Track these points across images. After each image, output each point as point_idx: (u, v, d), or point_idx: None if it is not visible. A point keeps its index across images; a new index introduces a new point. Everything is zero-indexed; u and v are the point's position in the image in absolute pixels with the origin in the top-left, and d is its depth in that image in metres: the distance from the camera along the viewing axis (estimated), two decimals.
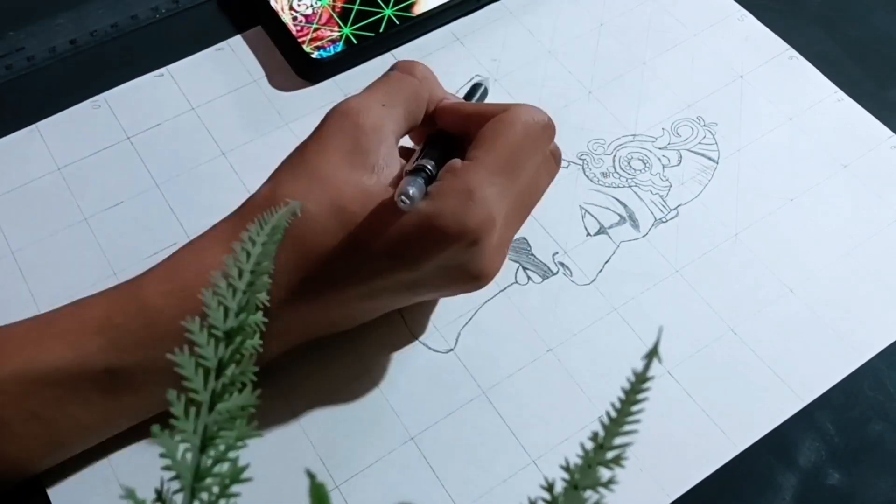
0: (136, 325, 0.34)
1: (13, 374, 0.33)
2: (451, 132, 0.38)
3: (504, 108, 0.36)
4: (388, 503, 0.37)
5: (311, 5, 0.51)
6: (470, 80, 0.50)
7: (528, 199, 0.38)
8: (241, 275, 0.25)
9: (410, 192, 0.33)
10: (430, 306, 0.42)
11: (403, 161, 0.37)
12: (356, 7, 0.51)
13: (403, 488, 0.37)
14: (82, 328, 0.34)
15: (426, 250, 0.34)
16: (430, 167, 0.35)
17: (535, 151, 0.36)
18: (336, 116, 0.36)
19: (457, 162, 0.35)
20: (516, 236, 0.44)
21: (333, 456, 0.38)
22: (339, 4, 0.51)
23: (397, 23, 0.51)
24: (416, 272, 0.35)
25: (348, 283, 0.35)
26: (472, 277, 0.36)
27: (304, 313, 0.36)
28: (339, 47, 0.49)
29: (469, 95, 0.42)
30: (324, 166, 0.35)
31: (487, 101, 0.42)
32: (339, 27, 0.50)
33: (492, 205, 0.34)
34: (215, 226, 0.36)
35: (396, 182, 0.35)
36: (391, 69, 0.39)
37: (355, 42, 0.50)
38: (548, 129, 0.37)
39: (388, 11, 0.51)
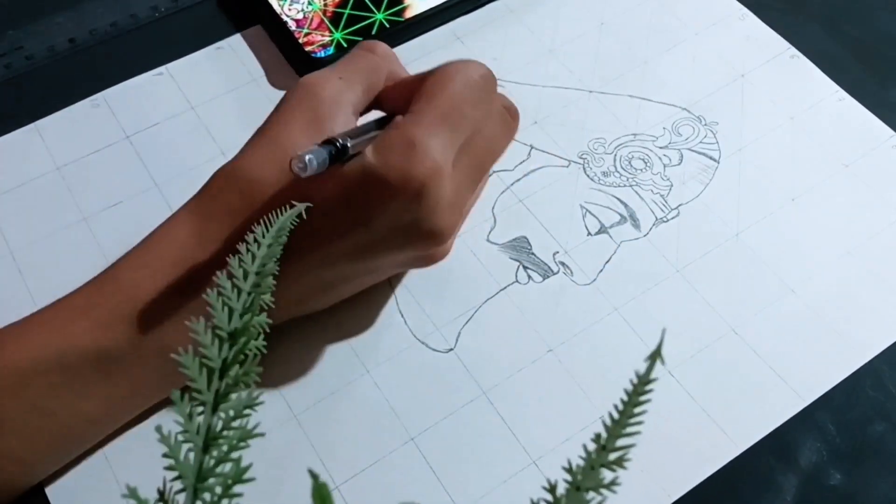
0: (115, 301, 0.35)
1: (5, 367, 0.34)
2: (398, 112, 0.38)
3: (443, 66, 0.37)
4: (388, 503, 0.37)
5: (302, 10, 0.51)
6: None
7: (484, 155, 0.38)
8: (246, 276, 0.25)
9: (307, 158, 0.32)
10: (430, 304, 0.42)
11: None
12: (347, 11, 0.51)
13: (403, 488, 0.37)
14: (66, 314, 0.35)
15: (372, 202, 0.34)
16: (340, 140, 0.34)
17: (479, 101, 0.37)
18: (297, 89, 0.37)
19: (398, 118, 0.36)
20: (516, 234, 0.44)
21: (333, 456, 0.38)
22: (331, 9, 0.51)
23: (388, 27, 0.50)
24: (369, 229, 0.35)
25: (308, 246, 0.35)
26: (426, 234, 0.35)
27: (281, 284, 0.35)
28: (330, 52, 0.49)
29: None
30: (283, 135, 0.36)
31: None
32: (331, 32, 0.50)
33: (435, 153, 0.34)
34: (185, 203, 0.37)
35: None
36: (356, 46, 0.40)
37: (346, 46, 0.50)
38: (487, 78, 0.37)
39: (379, 16, 0.51)
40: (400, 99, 0.38)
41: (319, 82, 0.37)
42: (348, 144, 0.34)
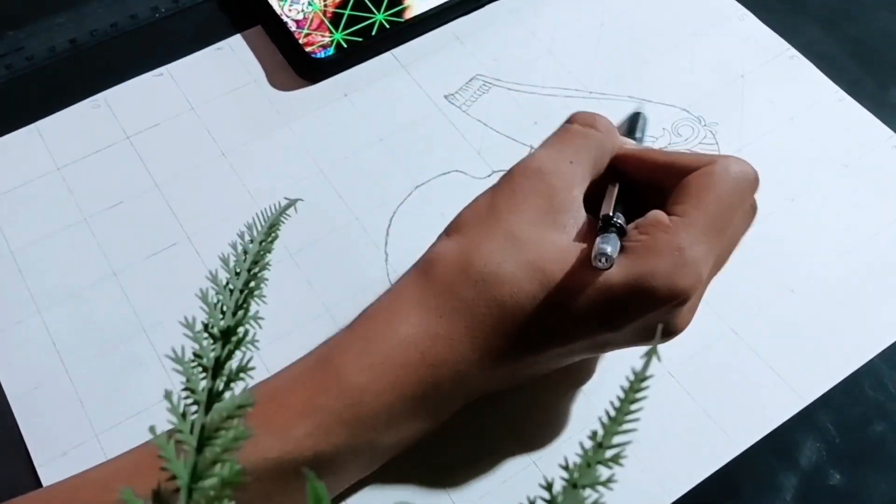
0: (339, 406, 0.32)
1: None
2: (631, 179, 0.37)
3: (710, 161, 0.35)
4: (388, 503, 0.37)
5: (303, 10, 0.51)
6: (465, 87, 0.50)
7: (726, 252, 0.36)
8: (238, 274, 0.25)
9: (608, 250, 0.31)
10: None
11: (588, 215, 0.35)
12: (347, 12, 0.51)
13: (403, 488, 0.37)
14: (286, 413, 0.32)
15: (633, 312, 0.33)
16: (620, 221, 0.33)
17: (743, 206, 0.35)
18: (528, 175, 0.35)
19: (662, 215, 0.34)
20: None
21: None
22: (331, 9, 0.51)
23: (388, 27, 0.51)
24: (618, 332, 0.33)
25: (548, 345, 0.34)
26: (665, 333, 0.35)
27: (496, 375, 0.35)
28: (330, 52, 0.49)
29: (631, 126, 0.42)
30: (519, 226, 0.34)
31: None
32: (331, 32, 0.50)
33: (702, 265, 0.33)
34: (399, 286, 0.35)
35: (585, 236, 0.34)
36: (569, 121, 0.38)
37: (346, 47, 0.50)
38: (755, 182, 0.36)
39: (379, 17, 0.51)
40: (640, 172, 0.37)
41: (552, 169, 0.35)
42: (626, 227, 0.33)
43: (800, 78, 0.51)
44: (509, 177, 0.36)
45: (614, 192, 0.36)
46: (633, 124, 0.42)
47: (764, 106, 0.50)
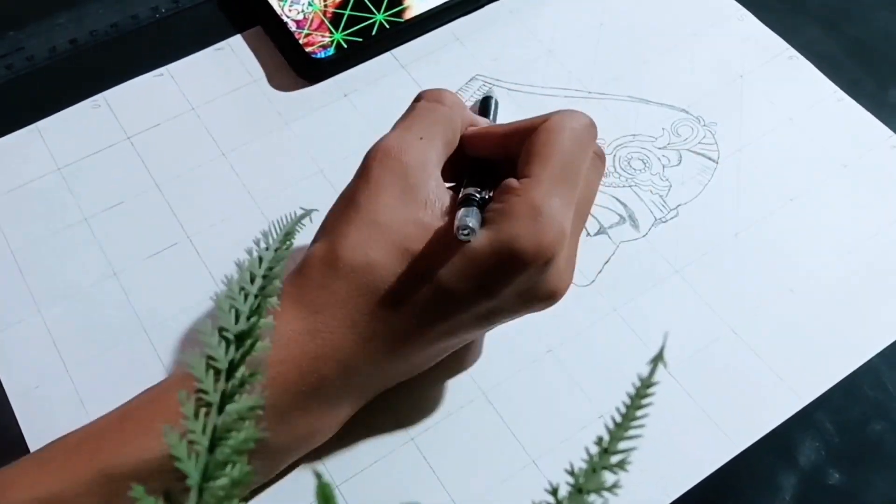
0: None
1: (101, 473, 0.31)
2: (483, 157, 0.37)
3: (544, 119, 0.36)
4: (389, 503, 0.37)
5: (303, 11, 0.51)
6: (465, 87, 0.50)
7: (585, 204, 0.37)
8: (252, 279, 0.26)
9: (470, 222, 0.32)
10: None
11: (451, 192, 0.36)
12: (347, 12, 0.51)
13: (403, 488, 0.37)
14: (165, 414, 0.32)
15: (504, 276, 0.33)
16: (478, 195, 0.34)
17: (586, 154, 0.36)
18: (378, 157, 0.35)
19: (512, 181, 0.34)
20: None
21: (333, 456, 0.38)
22: (331, 10, 0.51)
23: (388, 28, 0.51)
24: (494, 299, 0.34)
25: (427, 324, 0.34)
26: (546, 296, 0.35)
27: (385, 365, 0.35)
28: (330, 52, 0.49)
29: (483, 109, 0.42)
30: (380, 211, 0.34)
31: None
32: (331, 32, 0.50)
33: (561, 218, 0.33)
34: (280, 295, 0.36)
35: (447, 211, 0.34)
36: (416, 99, 0.38)
37: (346, 47, 0.50)
38: (591, 129, 0.36)
39: (379, 17, 0.51)
40: (487, 148, 0.37)
41: (402, 147, 0.35)
42: (486, 197, 0.34)
43: (799, 78, 0.51)
44: (363, 165, 0.36)
45: (471, 171, 0.37)
46: (484, 108, 0.42)
47: (763, 106, 0.50)
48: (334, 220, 0.35)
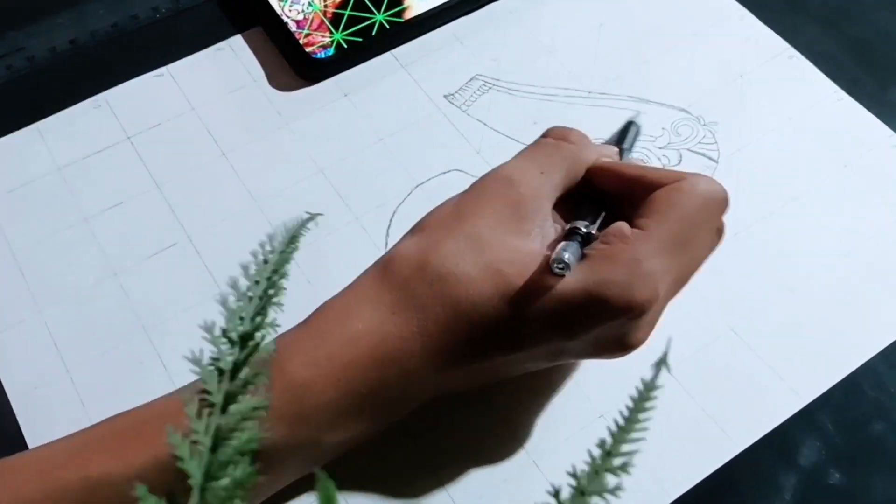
0: (280, 402, 0.31)
1: (155, 462, 0.30)
2: (606, 192, 0.37)
3: (678, 177, 0.35)
4: (389, 503, 0.37)
5: (303, 11, 0.51)
6: (465, 87, 0.50)
7: (688, 273, 0.36)
8: (257, 282, 0.26)
9: (566, 257, 0.31)
10: None
11: (558, 226, 0.35)
12: (347, 13, 0.51)
13: (403, 488, 0.37)
14: None
15: (587, 321, 0.32)
16: (583, 228, 0.34)
17: (708, 227, 0.35)
18: (496, 182, 0.35)
19: (624, 227, 0.34)
20: None
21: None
22: (331, 10, 0.51)
23: (388, 28, 0.51)
24: (572, 342, 0.33)
25: (499, 349, 0.33)
26: (621, 347, 0.34)
27: (447, 375, 0.34)
28: (330, 52, 0.50)
29: (622, 134, 0.42)
30: (483, 229, 0.34)
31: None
32: (331, 32, 0.50)
33: (659, 280, 0.32)
34: (357, 282, 0.35)
35: (550, 247, 0.34)
36: (544, 135, 0.38)
37: (346, 47, 0.50)
38: (723, 203, 0.35)
39: (379, 17, 0.51)
40: (614, 187, 0.36)
41: (522, 178, 0.35)
42: (593, 232, 0.34)
43: (799, 78, 0.51)
44: (479, 183, 0.36)
45: (585, 203, 0.36)
46: (623, 133, 0.42)
47: (763, 106, 0.50)
48: (433, 224, 0.35)
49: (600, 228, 0.35)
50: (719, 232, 0.36)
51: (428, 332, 0.33)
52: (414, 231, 0.36)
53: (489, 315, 0.33)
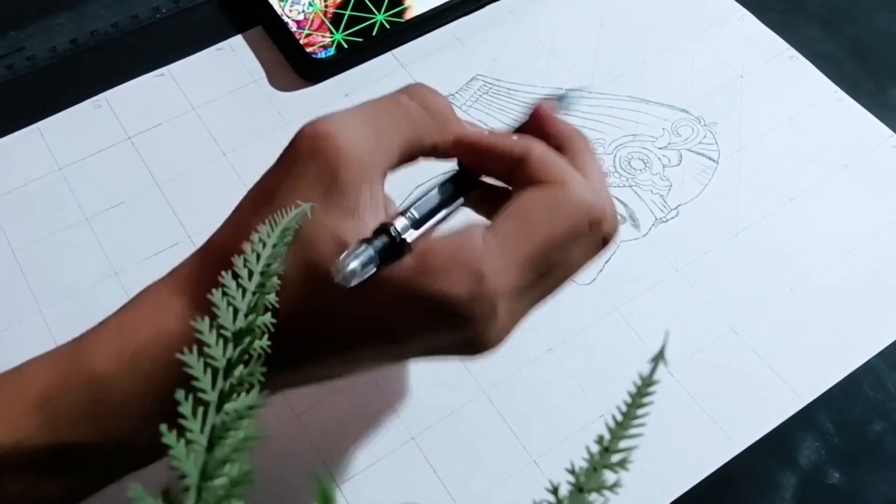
0: (82, 397, 0.28)
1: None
2: (471, 169, 0.31)
3: (553, 179, 0.29)
4: (388, 503, 0.37)
5: (303, 11, 0.51)
6: (465, 87, 0.50)
7: (553, 286, 0.31)
8: (251, 276, 0.25)
9: (349, 267, 0.26)
10: None
11: (390, 204, 0.31)
12: (348, 13, 0.51)
13: (403, 488, 0.37)
14: (19, 404, 0.28)
15: (413, 330, 0.28)
16: (399, 229, 0.28)
17: (580, 245, 0.30)
18: (309, 141, 0.29)
19: (475, 234, 0.28)
20: None
21: (333, 456, 0.38)
22: (331, 10, 0.51)
23: (388, 28, 0.51)
24: (400, 347, 0.29)
25: (324, 355, 0.29)
26: (468, 351, 0.29)
27: (286, 375, 0.29)
28: (331, 52, 0.50)
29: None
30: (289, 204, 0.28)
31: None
32: (331, 33, 0.50)
33: (500, 302, 0.28)
34: (171, 273, 0.30)
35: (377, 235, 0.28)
36: (401, 90, 0.31)
37: (346, 47, 0.50)
38: (605, 223, 0.30)
39: (379, 17, 0.51)
40: (472, 161, 0.31)
41: (345, 138, 0.28)
42: (407, 240, 0.27)
43: (799, 78, 0.51)
44: (289, 147, 0.30)
45: (423, 188, 0.31)
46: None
47: (763, 106, 0.50)
48: (246, 209, 0.30)
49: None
50: (603, 241, 0.31)
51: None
52: (228, 219, 0.31)
53: (306, 315, 0.28)
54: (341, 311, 0.28)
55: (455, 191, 0.31)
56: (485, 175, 0.32)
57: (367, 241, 0.27)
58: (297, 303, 0.28)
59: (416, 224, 0.29)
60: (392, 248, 0.27)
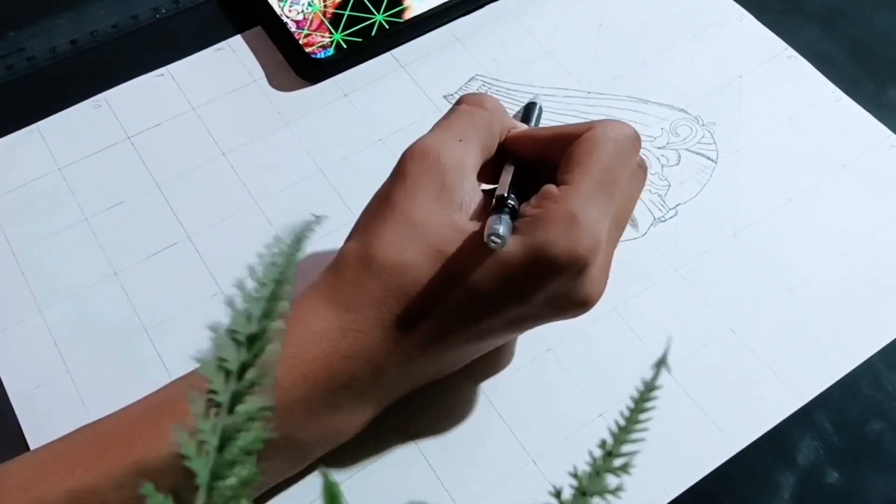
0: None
1: (135, 467, 0.31)
2: (524, 159, 0.37)
3: (588, 127, 0.36)
4: (389, 503, 0.37)
5: (303, 11, 0.51)
6: (465, 87, 0.50)
7: (623, 215, 0.37)
8: (264, 284, 0.26)
9: (500, 231, 0.32)
10: None
11: (486, 194, 0.36)
12: (347, 13, 0.51)
13: (403, 488, 0.37)
14: (165, 415, 0.32)
15: (537, 282, 0.33)
16: (512, 202, 0.34)
17: (627, 165, 0.36)
18: (416, 158, 0.35)
19: (551, 188, 0.34)
20: None
21: (334, 456, 0.38)
22: (331, 10, 0.51)
23: (388, 28, 0.51)
24: (526, 306, 0.34)
25: (458, 328, 0.34)
26: (579, 303, 0.35)
27: (413, 367, 0.35)
28: (330, 52, 0.50)
29: (525, 116, 0.42)
30: (416, 212, 0.34)
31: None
32: (331, 33, 0.50)
33: (597, 227, 0.33)
34: (311, 286, 0.35)
35: (481, 214, 0.34)
36: (458, 102, 0.38)
37: (346, 47, 0.50)
38: (635, 141, 0.36)
39: (379, 17, 0.51)
40: (528, 150, 0.37)
41: (441, 149, 0.35)
42: (516, 206, 0.34)
43: (798, 78, 0.51)
44: (399, 164, 0.36)
45: (509, 172, 0.36)
46: (527, 115, 0.42)
47: (762, 106, 0.50)
48: (369, 218, 0.35)
49: (525, 195, 0.35)
50: (641, 167, 0.37)
51: (385, 323, 0.33)
52: (353, 231, 0.36)
53: (441, 296, 0.33)
54: (473, 283, 0.33)
55: (518, 174, 0.37)
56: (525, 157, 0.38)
57: (497, 211, 0.33)
58: (431, 289, 0.33)
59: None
60: (513, 213, 0.34)
